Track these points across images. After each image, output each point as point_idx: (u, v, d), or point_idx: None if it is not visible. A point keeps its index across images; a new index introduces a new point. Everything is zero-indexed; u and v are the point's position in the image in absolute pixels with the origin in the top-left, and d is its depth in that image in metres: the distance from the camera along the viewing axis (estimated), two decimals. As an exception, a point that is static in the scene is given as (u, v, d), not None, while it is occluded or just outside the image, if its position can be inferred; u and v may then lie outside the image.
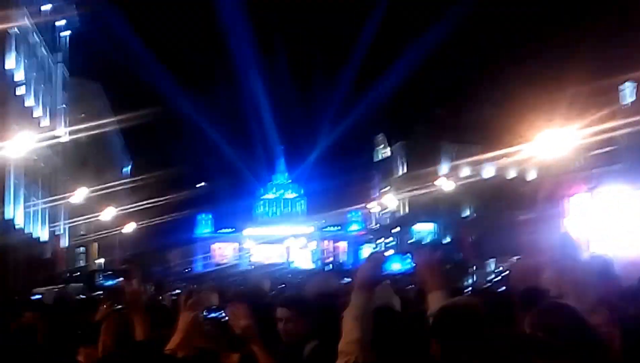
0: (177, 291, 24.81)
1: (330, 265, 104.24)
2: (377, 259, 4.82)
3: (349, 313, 4.58)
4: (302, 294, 8.37)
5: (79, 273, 61.02)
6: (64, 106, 68.30)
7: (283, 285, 45.28)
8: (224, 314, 6.13)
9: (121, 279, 5.57)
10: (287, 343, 6.70)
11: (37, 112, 59.18)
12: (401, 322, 6.46)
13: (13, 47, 51.29)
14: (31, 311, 10.96)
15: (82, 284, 48.61)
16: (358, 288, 4.67)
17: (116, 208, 68.99)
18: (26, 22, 54.74)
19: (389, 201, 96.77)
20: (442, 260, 5.20)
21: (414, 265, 4.89)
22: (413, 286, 18.77)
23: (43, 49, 61.48)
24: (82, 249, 75.52)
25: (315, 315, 6.69)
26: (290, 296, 7.31)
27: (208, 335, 6.17)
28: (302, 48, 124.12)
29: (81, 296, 30.12)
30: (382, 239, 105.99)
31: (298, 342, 6.58)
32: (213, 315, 6.04)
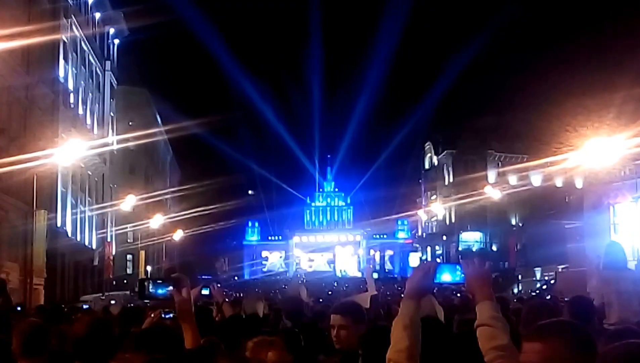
0: (226, 299, 24.86)
1: (377, 273, 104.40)
2: (427, 268, 4.77)
3: (398, 322, 4.58)
4: (356, 302, 8.39)
5: (125, 281, 61.70)
6: (112, 114, 69.04)
7: (330, 293, 45.47)
8: None
9: (171, 288, 5.65)
10: (340, 350, 6.77)
11: (86, 120, 59.90)
12: (447, 332, 6.46)
13: (63, 56, 51.96)
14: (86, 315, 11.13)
15: (128, 292, 49.18)
16: (407, 297, 4.66)
17: (164, 215, 69.40)
18: (75, 31, 55.45)
19: (436, 209, 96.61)
20: (491, 270, 5.12)
21: (464, 275, 4.82)
22: (459, 295, 18.81)
23: (92, 58, 62.19)
24: (129, 256, 76.12)
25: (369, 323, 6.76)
26: (344, 303, 7.33)
27: None
28: (351, 57, 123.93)
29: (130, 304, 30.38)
30: (429, 247, 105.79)
31: (351, 349, 6.58)
32: None
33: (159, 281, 5.84)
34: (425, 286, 4.71)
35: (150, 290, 5.82)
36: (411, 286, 4.67)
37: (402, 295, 4.92)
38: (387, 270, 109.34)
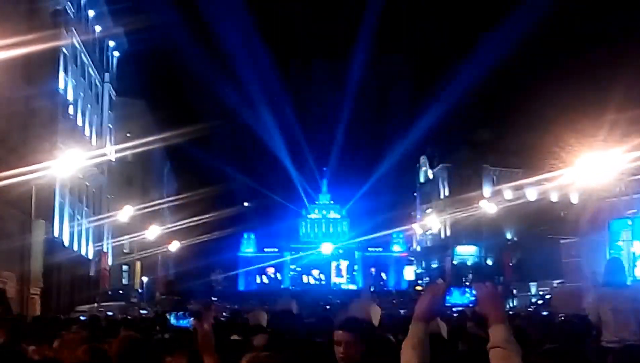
0: (225, 314, 24.64)
1: (372, 286, 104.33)
2: (437, 290, 4.75)
3: (407, 343, 4.61)
4: (363, 318, 8.35)
5: (121, 292, 61.63)
6: (110, 125, 69.12)
7: (328, 307, 45.21)
8: None
9: (193, 319, 5.72)
10: None
11: (85, 132, 59.94)
12: (450, 349, 6.52)
13: (63, 67, 52.03)
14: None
15: (124, 302, 49.13)
16: (416, 318, 4.68)
17: (160, 226, 69.32)
18: (76, 43, 55.55)
19: (431, 223, 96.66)
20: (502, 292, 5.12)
21: (476, 298, 4.84)
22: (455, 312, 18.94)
23: (91, 69, 62.28)
24: (125, 267, 76.04)
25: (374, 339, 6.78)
26: (349, 319, 7.30)
27: None
28: (347, 70, 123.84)
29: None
30: (424, 261, 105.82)
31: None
32: None
33: (181, 314, 5.85)
34: (435, 309, 4.72)
35: (172, 322, 5.84)
36: (421, 309, 4.68)
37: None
38: (382, 283, 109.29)
